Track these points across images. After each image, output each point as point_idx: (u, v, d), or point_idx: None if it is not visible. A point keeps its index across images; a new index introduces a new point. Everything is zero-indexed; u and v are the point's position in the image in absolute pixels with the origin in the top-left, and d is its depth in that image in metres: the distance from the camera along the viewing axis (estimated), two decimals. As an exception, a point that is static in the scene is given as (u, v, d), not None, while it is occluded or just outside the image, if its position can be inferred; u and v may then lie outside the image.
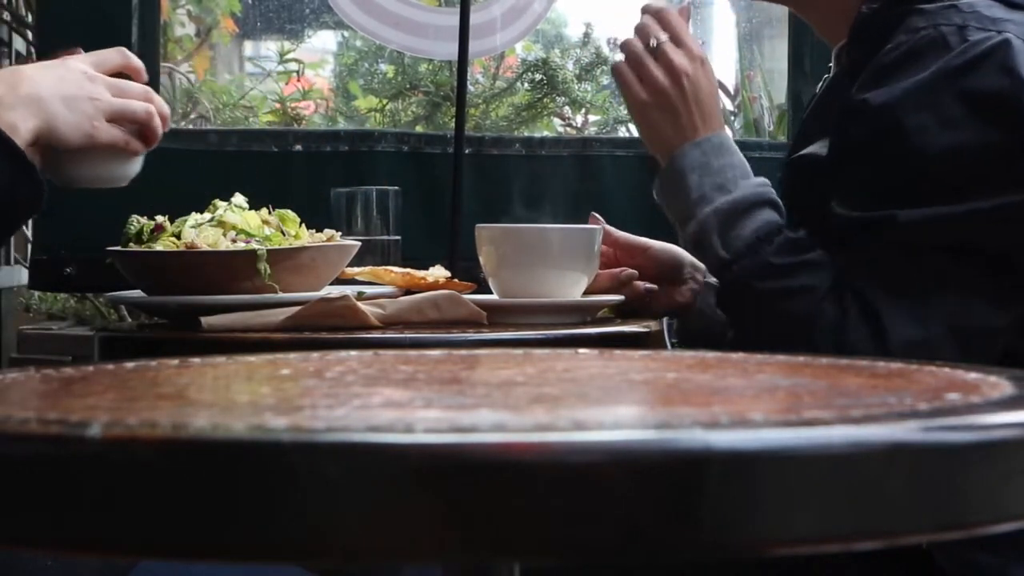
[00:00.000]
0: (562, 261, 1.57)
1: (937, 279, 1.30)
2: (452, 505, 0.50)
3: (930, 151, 1.30)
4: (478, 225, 1.66)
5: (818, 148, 1.44)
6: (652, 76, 1.45)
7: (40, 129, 1.31)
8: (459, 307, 1.49)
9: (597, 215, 1.65)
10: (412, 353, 0.94)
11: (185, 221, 1.53)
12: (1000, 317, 1.31)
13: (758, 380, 0.81)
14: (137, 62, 1.43)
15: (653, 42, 1.46)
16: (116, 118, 1.38)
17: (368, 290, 1.55)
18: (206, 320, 1.42)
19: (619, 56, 1.52)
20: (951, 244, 1.30)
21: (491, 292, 1.63)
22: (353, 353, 0.95)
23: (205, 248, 1.47)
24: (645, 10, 1.50)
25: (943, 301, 1.29)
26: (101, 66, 1.39)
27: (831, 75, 1.55)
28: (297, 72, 3.39)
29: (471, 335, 1.41)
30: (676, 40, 1.46)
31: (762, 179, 1.44)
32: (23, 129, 1.30)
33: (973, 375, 0.76)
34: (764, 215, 1.41)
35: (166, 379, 0.83)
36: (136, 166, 1.46)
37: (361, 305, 1.43)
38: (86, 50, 1.44)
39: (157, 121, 1.41)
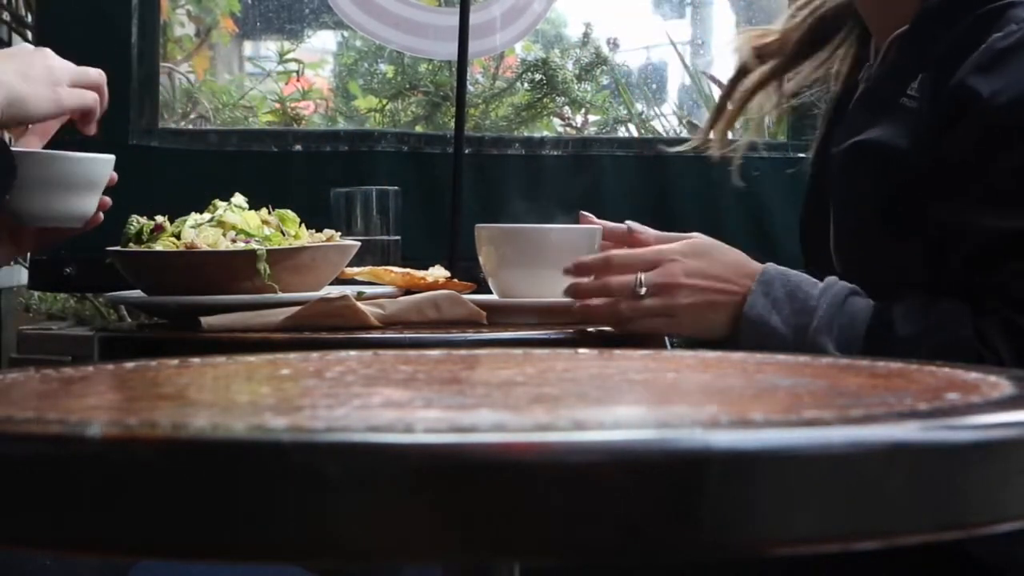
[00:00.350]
0: (562, 261, 1.57)
1: None
2: (452, 505, 0.50)
3: None
4: (478, 225, 1.66)
5: (884, 135, 1.42)
6: (653, 304, 1.40)
7: (5, 101, 1.28)
8: (459, 307, 1.49)
9: (586, 214, 1.63)
10: (412, 353, 0.94)
11: (185, 221, 1.53)
12: None
13: (758, 380, 0.81)
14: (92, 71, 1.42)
15: (640, 290, 1.41)
16: (77, 82, 1.36)
17: (368, 290, 1.55)
18: (206, 320, 1.42)
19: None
20: None
21: (491, 292, 1.63)
22: (353, 353, 0.95)
23: (205, 248, 1.47)
24: (582, 269, 1.45)
25: None
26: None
27: (879, 65, 1.53)
28: (297, 72, 3.39)
29: (471, 335, 1.41)
30: (641, 265, 1.42)
31: (829, 279, 1.39)
32: None
33: (973, 375, 0.76)
34: (856, 305, 1.36)
35: (166, 379, 0.83)
36: (93, 203, 1.45)
37: (361, 305, 1.43)
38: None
39: (106, 92, 1.39)
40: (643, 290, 1.41)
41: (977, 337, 1.29)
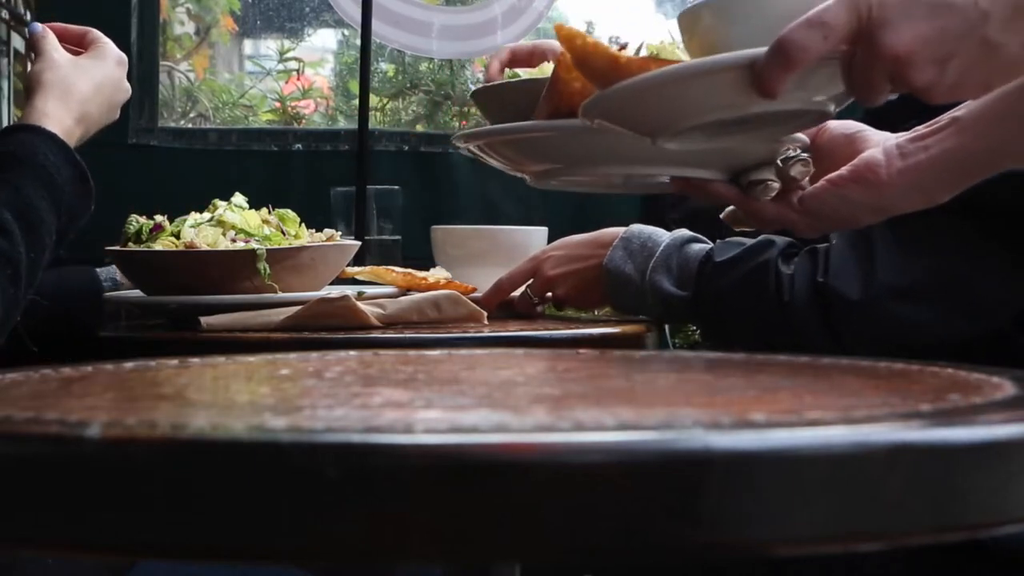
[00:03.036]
0: (511, 259, 1.67)
1: (942, 234, 1.30)
2: (452, 505, 0.50)
3: None
4: (433, 227, 1.73)
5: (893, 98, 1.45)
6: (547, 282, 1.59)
7: (85, 134, 1.40)
8: (459, 307, 1.49)
9: None
10: (412, 353, 0.94)
11: (184, 221, 1.52)
12: (1011, 284, 1.30)
13: (759, 380, 0.81)
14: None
15: (534, 300, 1.60)
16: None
17: (368, 290, 1.56)
18: (206, 320, 1.42)
19: None
20: (965, 202, 1.29)
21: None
22: (353, 353, 0.95)
23: (205, 248, 1.47)
24: (488, 305, 1.60)
25: (943, 257, 1.31)
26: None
27: None
28: (297, 71, 3.39)
29: (471, 335, 1.41)
30: (522, 278, 1.60)
31: (678, 230, 1.51)
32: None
33: (975, 376, 0.76)
34: (694, 248, 1.47)
35: (166, 379, 0.83)
36: None
37: (361, 305, 1.43)
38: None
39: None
40: (536, 300, 1.60)
41: (783, 259, 1.39)
